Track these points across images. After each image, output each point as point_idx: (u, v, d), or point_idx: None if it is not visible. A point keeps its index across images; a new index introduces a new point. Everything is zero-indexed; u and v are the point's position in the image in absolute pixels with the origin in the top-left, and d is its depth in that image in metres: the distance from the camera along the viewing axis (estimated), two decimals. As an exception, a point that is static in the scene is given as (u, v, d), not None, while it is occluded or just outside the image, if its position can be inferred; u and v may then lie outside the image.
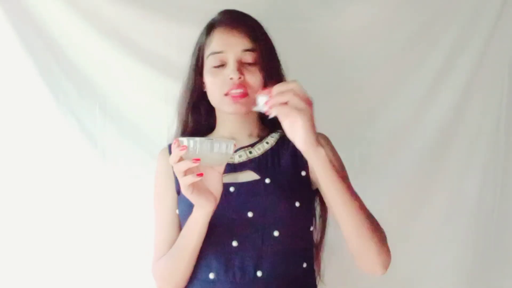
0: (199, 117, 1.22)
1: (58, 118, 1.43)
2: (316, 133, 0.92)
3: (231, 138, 1.18)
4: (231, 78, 1.10)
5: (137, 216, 1.43)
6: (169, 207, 1.16)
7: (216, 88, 1.12)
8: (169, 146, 1.18)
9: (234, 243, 1.07)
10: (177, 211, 1.15)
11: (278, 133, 1.19)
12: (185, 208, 1.10)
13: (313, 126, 0.91)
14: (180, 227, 1.13)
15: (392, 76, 1.55)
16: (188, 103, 1.22)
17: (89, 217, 1.45)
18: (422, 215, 1.56)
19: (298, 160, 1.14)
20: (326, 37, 1.52)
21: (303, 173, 1.14)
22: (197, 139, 0.92)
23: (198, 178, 0.92)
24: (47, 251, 1.43)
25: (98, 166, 1.46)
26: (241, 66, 1.11)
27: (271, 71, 1.15)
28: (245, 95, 1.10)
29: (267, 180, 1.10)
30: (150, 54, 1.46)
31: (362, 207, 1.01)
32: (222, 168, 0.98)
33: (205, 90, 1.18)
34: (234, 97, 1.10)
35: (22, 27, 1.39)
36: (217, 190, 0.99)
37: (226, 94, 1.11)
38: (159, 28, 1.45)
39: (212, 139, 0.93)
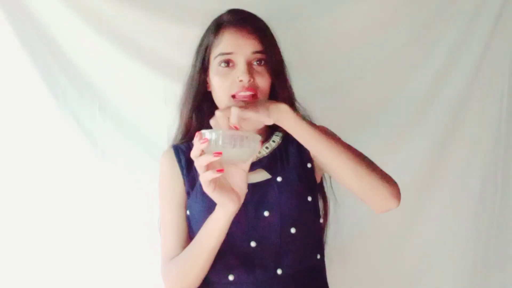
0: (202, 118, 1.19)
1: (57, 118, 1.42)
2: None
3: None
4: (240, 80, 1.08)
5: (137, 215, 1.43)
6: (178, 207, 1.14)
7: (224, 89, 1.10)
8: (173, 147, 1.19)
9: (253, 244, 1.06)
10: (187, 212, 1.14)
11: (282, 131, 1.19)
12: (198, 210, 1.10)
13: (255, 106, 0.93)
14: (189, 229, 1.13)
15: (392, 76, 1.56)
16: (192, 103, 1.19)
17: (88, 217, 1.44)
18: (422, 215, 1.57)
19: (303, 154, 1.15)
20: (326, 36, 1.52)
21: (309, 165, 1.15)
22: (220, 131, 0.89)
23: (218, 174, 0.89)
24: (46, 250, 1.42)
25: (97, 166, 1.45)
26: (251, 68, 1.09)
27: (279, 73, 1.14)
28: (255, 97, 1.08)
29: (279, 178, 1.10)
30: (151, 54, 1.45)
31: (350, 148, 1.01)
32: (247, 166, 0.95)
33: (209, 90, 1.16)
34: (244, 98, 1.07)
35: (22, 27, 1.38)
36: (242, 189, 0.96)
37: (233, 96, 1.09)
38: (159, 28, 1.44)
39: (236, 132, 0.89)
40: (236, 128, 0.90)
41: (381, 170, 1.03)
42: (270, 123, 0.94)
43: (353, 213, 1.48)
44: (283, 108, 0.95)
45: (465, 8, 1.54)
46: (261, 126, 0.97)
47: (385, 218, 1.43)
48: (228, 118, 0.92)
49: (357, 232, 1.54)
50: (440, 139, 1.56)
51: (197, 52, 1.18)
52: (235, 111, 0.90)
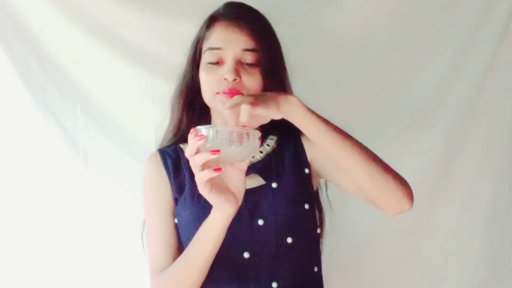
0: (193, 115, 1.16)
1: (36, 119, 1.38)
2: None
3: None
4: (225, 78, 1.04)
5: (121, 222, 1.40)
6: (166, 215, 1.10)
7: (209, 86, 1.07)
8: (159, 151, 1.17)
9: (246, 255, 1.02)
10: (175, 220, 1.10)
11: (277, 135, 1.15)
12: (187, 217, 1.06)
13: (265, 101, 0.90)
14: (179, 237, 1.10)
15: (398, 75, 1.52)
16: (184, 99, 1.16)
17: (71, 224, 1.40)
18: (430, 225, 1.53)
19: (300, 159, 1.11)
20: (327, 33, 1.48)
21: (307, 171, 1.11)
22: (218, 127, 0.85)
23: (216, 173, 0.85)
24: (28, 257, 1.39)
25: (80, 170, 1.41)
26: (239, 66, 1.06)
27: (273, 74, 1.10)
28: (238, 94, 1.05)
29: (274, 185, 1.06)
30: (137, 51, 1.41)
31: (362, 146, 0.98)
32: (245, 165, 0.91)
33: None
34: (226, 93, 1.04)
35: (-3, 20, 1.36)
36: (239, 191, 0.92)
37: (218, 93, 1.06)
38: (147, 23, 1.41)
39: (235, 128, 0.85)
40: (244, 127, 0.87)
41: (393, 169, 1.00)
42: (279, 117, 0.91)
43: (352, 224, 1.47)
44: (293, 100, 0.92)
45: (476, 3, 1.51)
46: (267, 121, 0.93)
47: (389, 229, 1.48)
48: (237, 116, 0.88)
49: (357, 245, 1.50)
50: (449, 143, 1.53)
51: (191, 46, 1.16)
52: (245, 109, 0.86)
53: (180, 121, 1.17)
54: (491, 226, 1.55)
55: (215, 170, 0.84)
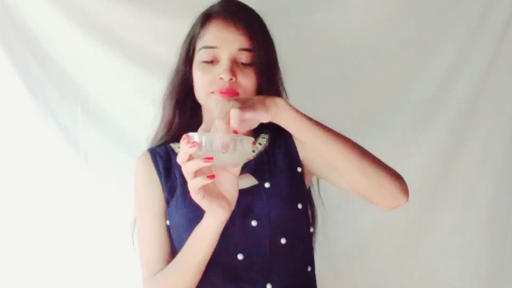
0: (185, 114, 1.15)
1: (36, 119, 1.37)
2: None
3: None
4: (221, 78, 1.03)
5: (121, 222, 1.35)
6: (158, 217, 1.09)
7: (203, 85, 1.06)
8: (150, 151, 1.15)
9: (240, 256, 1.01)
10: (167, 222, 1.08)
11: (268, 133, 1.14)
12: (180, 219, 1.05)
13: (253, 105, 0.89)
14: (171, 239, 1.08)
15: (398, 74, 1.51)
16: (176, 97, 1.15)
17: (71, 223, 1.39)
18: (432, 224, 1.52)
19: (293, 158, 1.10)
20: (326, 32, 1.47)
21: (299, 170, 1.09)
22: (211, 134, 0.84)
23: (209, 181, 0.83)
24: (28, 257, 1.38)
25: (80, 170, 1.40)
26: (235, 66, 1.04)
27: (267, 73, 1.09)
28: (235, 94, 1.04)
29: (267, 185, 1.05)
30: (137, 51, 1.40)
31: (352, 143, 0.97)
32: (237, 170, 0.90)
33: (193, 84, 1.11)
34: (222, 93, 1.03)
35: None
36: (232, 195, 0.91)
37: (213, 92, 1.05)
38: (148, 23, 1.40)
39: (228, 135, 0.84)
40: (236, 132, 0.85)
41: (385, 165, 0.99)
42: (267, 120, 0.90)
43: (349, 223, 1.47)
44: (280, 102, 0.92)
45: (476, 3, 1.50)
46: (256, 125, 0.92)
47: (388, 228, 1.52)
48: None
49: (352, 244, 1.49)
50: (450, 143, 1.51)
51: (184, 43, 1.14)
52: (235, 113, 0.85)
53: (171, 120, 1.15)
54: (491, 226, 1.54)
55: (209, 177, 0.83)
